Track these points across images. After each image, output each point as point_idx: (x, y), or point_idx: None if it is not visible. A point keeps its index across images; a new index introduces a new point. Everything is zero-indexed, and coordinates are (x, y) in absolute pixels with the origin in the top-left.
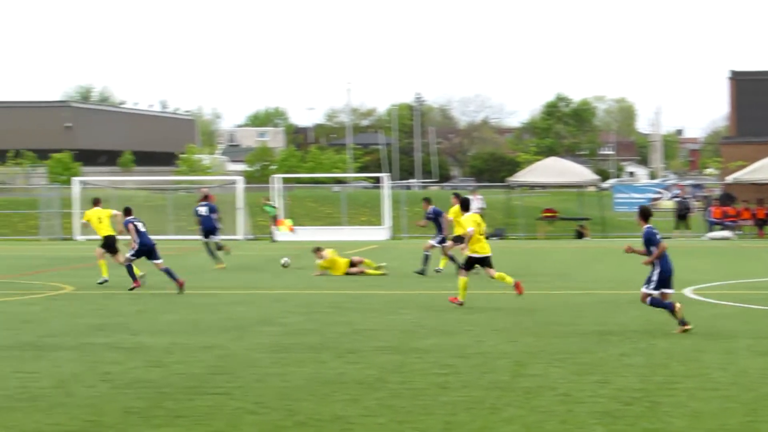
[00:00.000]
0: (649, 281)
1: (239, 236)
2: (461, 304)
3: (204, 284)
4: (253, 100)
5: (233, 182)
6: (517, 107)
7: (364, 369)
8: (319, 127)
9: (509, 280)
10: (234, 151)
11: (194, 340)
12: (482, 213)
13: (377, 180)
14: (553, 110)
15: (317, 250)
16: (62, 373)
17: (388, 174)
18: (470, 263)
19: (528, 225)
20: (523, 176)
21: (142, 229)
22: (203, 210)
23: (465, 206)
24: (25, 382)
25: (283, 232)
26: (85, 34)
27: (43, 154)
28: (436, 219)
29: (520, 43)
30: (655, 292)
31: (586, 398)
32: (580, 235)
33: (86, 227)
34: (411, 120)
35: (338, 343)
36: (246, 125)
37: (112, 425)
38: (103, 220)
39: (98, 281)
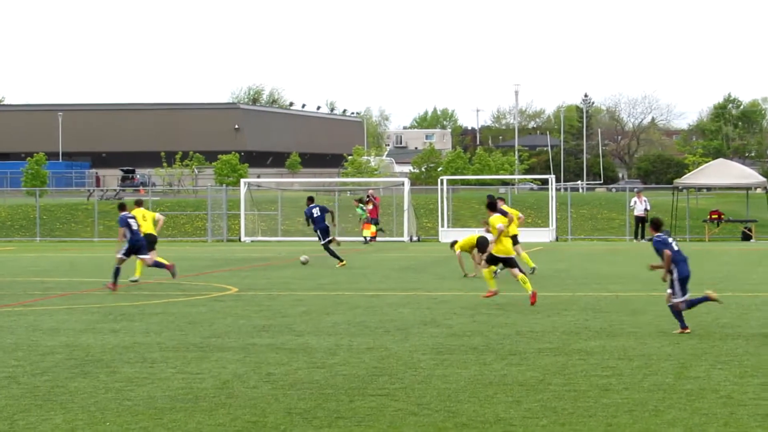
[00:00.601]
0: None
1: (404, 238)
2: (495, 293)
3: (368, 286)
4: (421, 102)
5: (400, 184)
6: (686, 109)
7: (527, 371)
8: (486, 129)
9: (528, 286)
10: (401, 153)
11: (357, 341)
12: (646, 215)
13: (544, 182)
14: (721, 112)
15: (453, 244)
16: (225, 373)
17: (554, 176)
18: (493, 260)
19: (694, 227)
20: (691, 178)
21: (135, 227)
22: (317, 211)
23: (492, 207)
24: (189, 382)
25: (367, 236)
26: (255, 37)
27: (211, 156)
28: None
29: (690, 45)
30: (681, 298)
31: (748, 401)
32: (746, 237)
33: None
34: (579, 122)
35: (501, 344)
36: (413, 127)
37: (274, 426)
38: (146, 219)
39: (130, 279)
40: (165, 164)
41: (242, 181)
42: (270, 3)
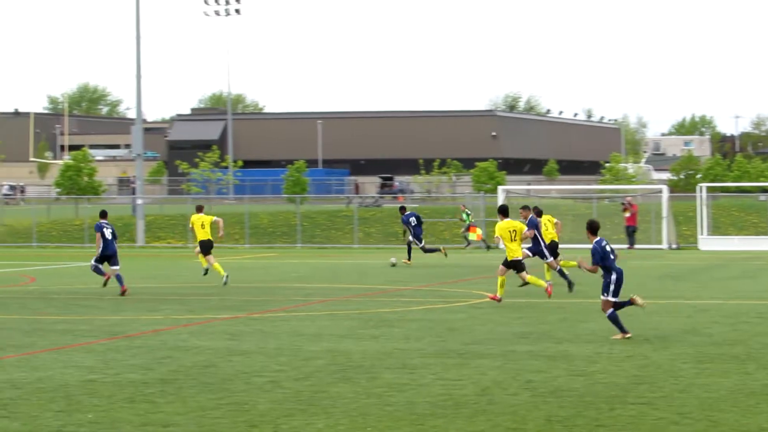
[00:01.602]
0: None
1: (663, 245)
2: (499, 300)
3: (622, 293)
4: (679, 109)
5: (658, 191)
6: None
7: None
8: (745, 135)
9: (541, 283)
10: (659, 160)
11: (617, 349)
12: None
13: None
14: None
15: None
16: (485, 380)
17: None
18: (510, 266)
19: None
20: None
21: (109, 236)
22: (413, 220)
23: (503, 212)
24: (449, 389)
25: (473, 240)
26: (513, 44)
27: (468, 163)
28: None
29: None
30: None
31: None
32: None
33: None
34: None
35: (763, 354)
36: (671, 134)
37: None
38: (205, 226)
39: (203, 274)
40: (423, 171)
41: (500, 188)
42: (526, 10)
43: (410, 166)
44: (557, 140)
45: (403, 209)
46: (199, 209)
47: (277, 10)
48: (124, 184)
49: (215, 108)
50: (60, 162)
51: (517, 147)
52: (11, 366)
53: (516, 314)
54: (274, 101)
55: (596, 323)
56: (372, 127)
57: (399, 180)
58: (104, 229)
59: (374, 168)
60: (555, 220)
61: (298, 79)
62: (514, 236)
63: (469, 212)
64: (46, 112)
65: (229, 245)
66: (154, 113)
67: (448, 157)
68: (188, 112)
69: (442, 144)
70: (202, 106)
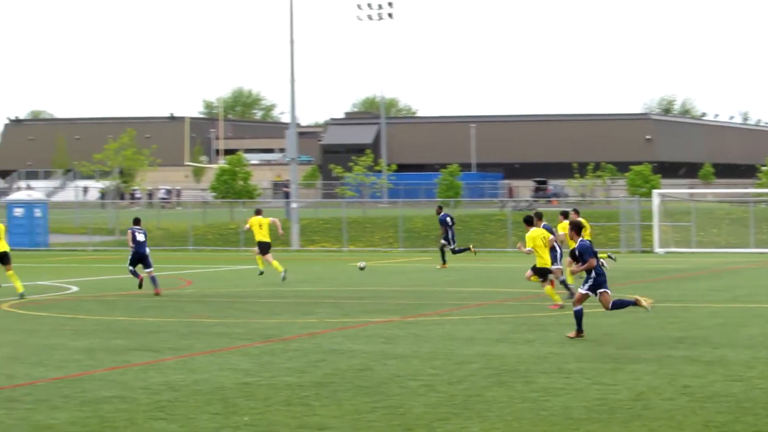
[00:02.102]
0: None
1: None
2: (561, 306)
3: None
4: None
5: None
6: None
7: None
8: None
9: (557, 298)
10: None
11: None
12: None
13: None
14: None
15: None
16: (640, 385)
17: None
18: (540, 273)
19: None
20: None
21: (141, 238)
22: (449, 220)
23: (529, 222)
24: (604, 393)
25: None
26: (668, 47)
27: (622, 167)
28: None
29: None
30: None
31: None
32: None
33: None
34: None
35: None
36: None
37: None
38: (263, 227)
39: (258, 273)
40: (577, 175)
41: (654, 192)
42: (681, 12)
43: (564, 170)
44: (713, 143)
45: (440, 209)
46: (258, 212)
47: (430, 13)
48: (279, 188)
49: (369, 112)
50: (215, 166)
51: (672, 150)
52: (169, 368)
53: (671, 319)
54: (427, 105)
55: (755, 328)
56: (525, 130)
57: (553, 183)
58: (136, 233)
59: (528, 171)
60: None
61: (451, 82)
62: (546, 243)
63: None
64: (201, 116)
65: (383, 249)
66: (308, 117)
67: (602, 161)
68: (342, 116)
69: (596, 147)
70: (355, 110)
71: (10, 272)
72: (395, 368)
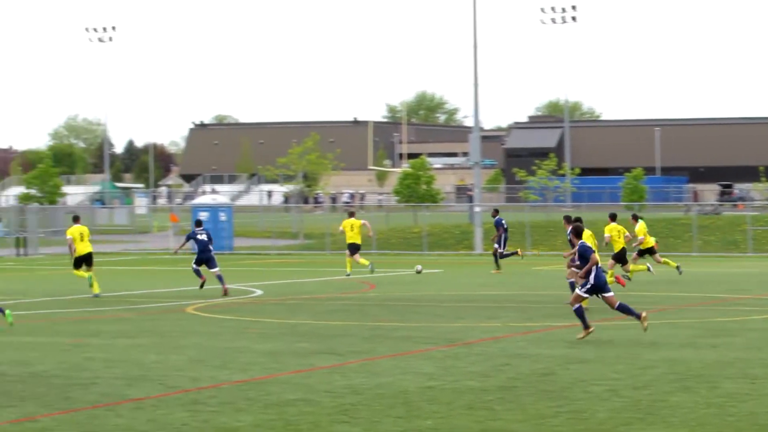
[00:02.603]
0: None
1: None
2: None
3: None
4: None
5: None
6: None
7: None
8: None
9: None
10: None
11: None
12: None
13: None
14: None
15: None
16: None
17: None
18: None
19: None
20: None
21: (203, 238)
22: (505, 222)
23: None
24: None
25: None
26: None
27: None
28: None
29: None
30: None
31: None
32: None
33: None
34: None
35: None
36: None
37: None
38: (354, 229)
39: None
40: (763, 178)
41: None
42: None
43: (750, 173)
44: None
45: (496, 212)
46: (351, 214)
47: (614, 15)
48: (462, 192)
49: (552, 115)
50: (398, 170)
51: None
52: (352, 372)
53: None
54: (611, 108)
55: None
56: (710, 133)
57: (738, 187)
58: (198, 236)
59: (713, 175)
60: (626, 233)
61: (635, 85)
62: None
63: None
64: (384, 120)
65: (565, 253)
66: (491, 121)
67: None
68: (525, 119)
69: None
70: (539, 113)
71: (90, 273)
72: (579, 372)
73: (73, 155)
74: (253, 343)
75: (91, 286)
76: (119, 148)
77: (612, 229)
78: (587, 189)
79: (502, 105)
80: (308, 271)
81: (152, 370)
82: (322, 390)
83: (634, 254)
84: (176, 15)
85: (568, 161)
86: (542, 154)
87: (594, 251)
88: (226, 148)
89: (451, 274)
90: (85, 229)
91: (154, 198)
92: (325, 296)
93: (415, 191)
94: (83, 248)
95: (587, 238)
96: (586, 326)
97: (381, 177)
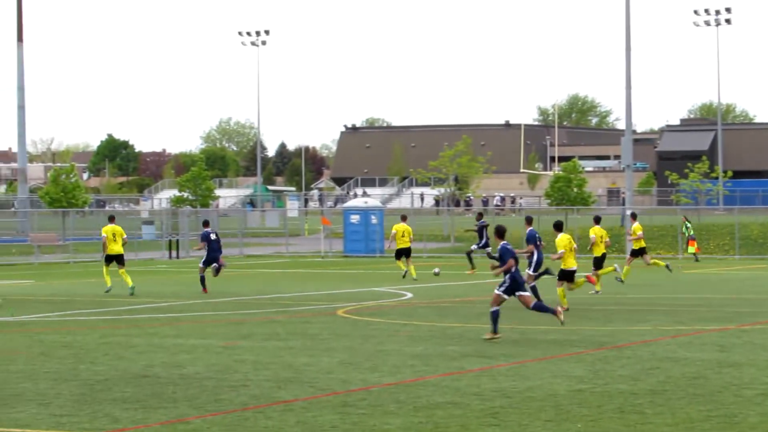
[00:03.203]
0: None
1: None
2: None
3: None
4: None
5: None
6: None
7: None
8: None
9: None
10: None
11: None
12: None
13: None
14: None
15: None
16: None
17: None
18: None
19: None
20: None
21: (214, 239)
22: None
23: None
24: None
25: (691, 253)
26: None
27: None
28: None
29: None
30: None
31: None
32: None
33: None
34: None
35: None
36: None
37: None
38: (405, 235)
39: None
40: None
41: None
42: None
43: None
44: None
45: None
46: (403, 218)
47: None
48: (614, 195)
49: (705, 118)
50: (550, 173)
51: None
52: (502, 375)
53: None
54: (765, 110)
55: None
56: None
57: None
58: (210, 236)
59: None
60: (607, 238)
61: None
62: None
63: (689, 225)
64: (536, 123)
65: (718, 256)
66: (643, 124)
67: None
68: (677, 122)
69: None
70: (691, 116)
71: (122, 270)
72: (730, 376)
73: (226, 158)
74: (403, 345)
75: (131, 289)
76: (271, 152)
77: (596, 231)
78: (740, 192)
79: (655, 108)
80: (458, 274)
81: (302, 373)
82: (471, 393)
83: (629, 255)
84: (328, 18)
85: (720, 164)
86: (694, 156)
87: (514, 254)
88: (378, 151)
89: (604, 277)
90: (118, 229)
91: (306, 201)
92: (475, 299)
93: (567, 194)
94: (114, 248)
95: (563, 240)
96: (495, 330)
97: (532, 180)
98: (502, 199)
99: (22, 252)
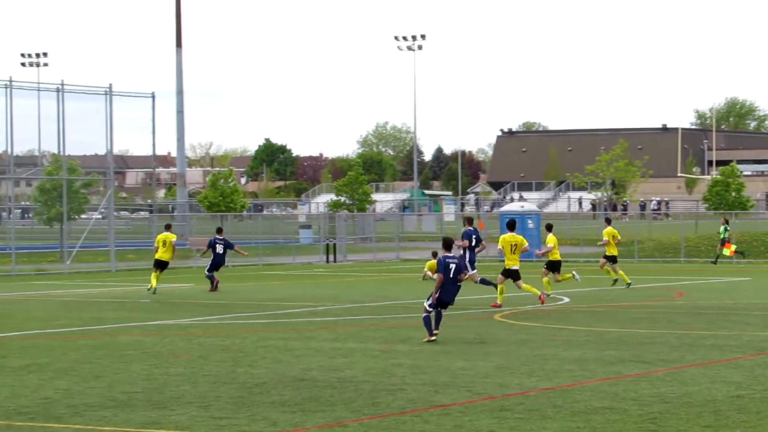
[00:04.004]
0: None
1: None
2: (500, 305)
3: None
4: None
5: None
6: None
7: None
8: None
9: (535, 290)
10: None
11: None
12: None
13: None
14: None
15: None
16: None
17: None
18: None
19: None
20: None
21: (220, 251)
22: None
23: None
24: None
25: (725, 255)
26: None
27: None
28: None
29: None
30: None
31: None
32: None
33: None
34: None
35: None
36: None
37: None
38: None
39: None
40: None
41: None
42: None
43: None
44: None
45: (549, 227)
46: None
47: None
48: None
49: None
50: (708, 177)
51: None
52: (660, 380)
53: None
54: None
55: None
56: None
57: None
58: (217, 245)
59: None
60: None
61: None
62: (514, 249)
63: (728, 228)
64: (693, 127)
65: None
66: None
67: None
68: None
69: None
70: None
71: (159, 273)
72: None
73: (382, 162)
74: (559, 350)
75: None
76: (428, 156)
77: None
78: None
79: None
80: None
81: (459, 377)
82: (628, 398)
83: (603, 259)
84: (485, 21)
85: None
86: None
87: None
88: (534, 155)
89: (761, 282)
90: (168, 238)
91: (462, 205)
92: (632, 304)
93: (725, 198)
94: (160, 254)
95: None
96: (430, 332)
97: (690, 184)
98: (659, 203)
99: (181, 256)
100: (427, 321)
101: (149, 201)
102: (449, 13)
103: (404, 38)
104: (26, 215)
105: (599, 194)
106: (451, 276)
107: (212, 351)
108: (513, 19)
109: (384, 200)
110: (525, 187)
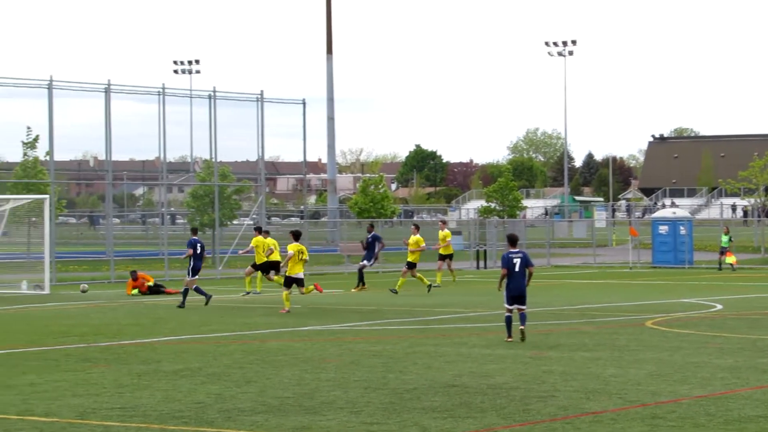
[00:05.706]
0: None
1: None
2: (288, 311)
3: None
4: None
5: None
6: None
7: None
8: None
9: (309, 289)
10: None
11: None
12: None
13: None
14: None
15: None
16: None
17: None
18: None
19: None
20: None
21: (199, 251)
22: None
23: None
24: None
25: (729, 263)
26: None
27: None
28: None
29: None
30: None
31: None
32: None
33: None
34: None
35: None
36: None
37: None
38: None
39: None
40: None
41: None
42: None
43: None
44: None
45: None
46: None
47: None
48: None
49: None
50: None
51: None
52: None
53: None
54: None
55: None
56: None
57: None
58: (197, 245)
59: None
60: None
61: None
62: (301, 256)
63: (731, 236)
64: None
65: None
66: None
67: None
68: None
69: None
70: None
71: (248, 278)
72: None
73: (533, 168)
74: (712, 357)
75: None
76: (578, 162)
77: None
78: None
79: None
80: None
81: (611, 384)
82: None
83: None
84: (636, 27)
85: None
86: None
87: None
88: (686, 161)
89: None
90: (266, 242)
91: (614, 211)
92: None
93: None
94: (259, 258)
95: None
96: (509, 333)
97: None
98: None
99: (331, 261)
100: (508, 321)
101: (300, 207)
102: (600, 18)
103: (555, 44)
104: (175, 221)
105: (751, 200)
106: (517, 270)
107: (363, 356)
108: (664, 24)
109: (534, 206)
110: (677, 193)
